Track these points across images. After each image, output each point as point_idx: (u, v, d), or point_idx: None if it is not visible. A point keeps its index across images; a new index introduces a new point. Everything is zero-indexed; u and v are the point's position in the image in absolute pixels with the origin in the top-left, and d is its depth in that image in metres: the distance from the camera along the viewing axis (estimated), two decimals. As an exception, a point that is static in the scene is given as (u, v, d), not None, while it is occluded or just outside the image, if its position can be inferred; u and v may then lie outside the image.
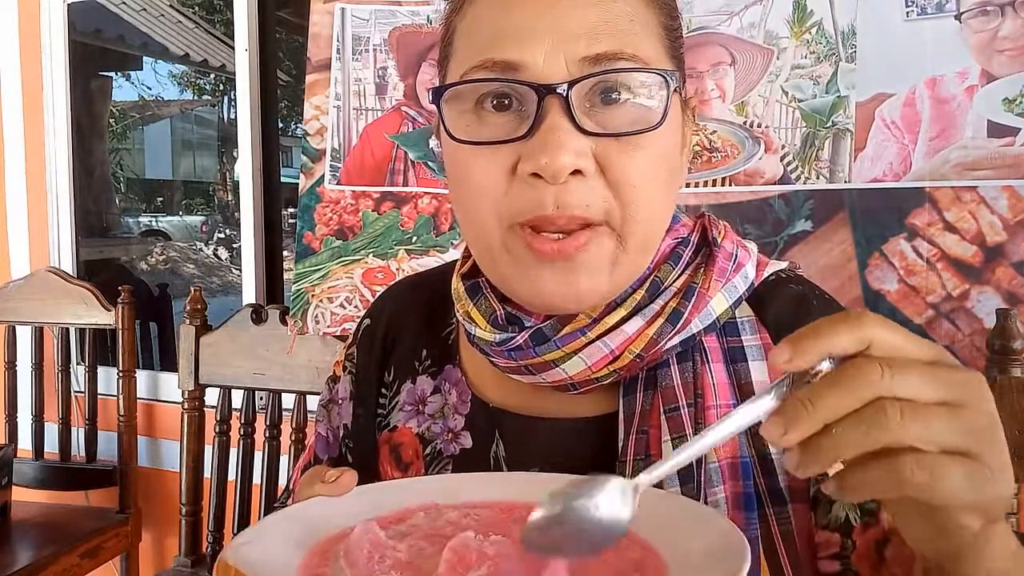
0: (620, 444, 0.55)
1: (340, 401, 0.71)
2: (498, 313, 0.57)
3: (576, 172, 0.48)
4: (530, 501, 0.40)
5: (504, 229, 0.51)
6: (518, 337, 0.55)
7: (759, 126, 1.30)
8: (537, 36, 0.48)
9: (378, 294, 0.73)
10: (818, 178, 1.27)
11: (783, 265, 0.62)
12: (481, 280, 0.60)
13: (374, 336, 0.69)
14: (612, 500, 0.37)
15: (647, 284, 0.56)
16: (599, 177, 0.49)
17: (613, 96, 0.49)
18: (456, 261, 0.66)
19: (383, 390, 0.68)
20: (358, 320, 0.72)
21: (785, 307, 0.59)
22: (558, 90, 0.48)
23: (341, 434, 0.70)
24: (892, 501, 0.40)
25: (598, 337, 0.54)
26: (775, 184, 1.29)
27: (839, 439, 0.34)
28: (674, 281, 0.56)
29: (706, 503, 0.52)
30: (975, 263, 1.18)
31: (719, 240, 0.59)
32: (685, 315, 0.55)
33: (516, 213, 0.50)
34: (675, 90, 0.52)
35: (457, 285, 0.62)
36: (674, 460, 0.38)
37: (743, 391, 0.56)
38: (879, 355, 0.35)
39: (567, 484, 0.38)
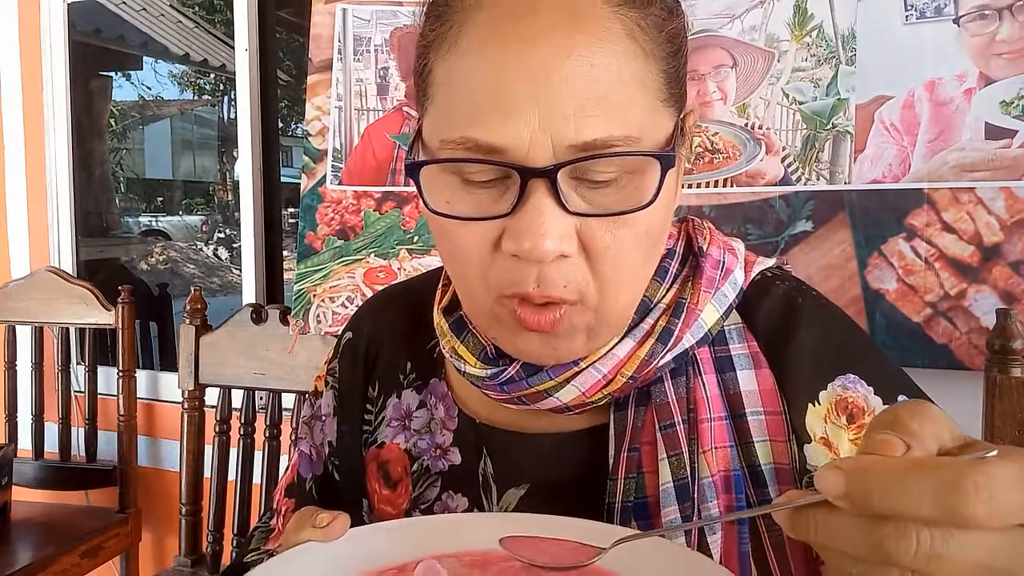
0: (611, 461, 0.54)
1: (324, 417, 0.68)
2: (487, 348, 0.56)
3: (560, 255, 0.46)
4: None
5: (492, 299, 0.50)
6: (509, 369, 0.53)
7: (760, 128, 1.31)
8: (523, 117, 0.44)
9: (356, 309, 0.70)
10: (818, 179, 1.28)
11: (771, 263, 0.60)
12: (463, 315, 0.58)
13: (356, 350, 0.67)
14: None
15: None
16: (580, 255, 0.47)
17: (601, 178, 0.46)
18: (435, 271, 0.64)
19: (368, 406, 0.66)
20: (337, 335, 0.69)
21: (772, 309, 0.57)
22: (544, 173, 0.45)
23: (327, 451, 0.67)
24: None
25: (589, 364, 0.52)
26: (776, 185, 1.29)
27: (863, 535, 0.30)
28: (662, 298, 0.55)
29: (700, 518, 0.51)
30: (973, 263, 1.19)
31: (705, 248, 0.57)
32: (676, 332, 0.53)
33: (502, 286, 0.49)
34: (672, 130, 0.49)
35: (440, 321, 0.59)
36: None
37: (732, 401, 0.55)
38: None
39: None
